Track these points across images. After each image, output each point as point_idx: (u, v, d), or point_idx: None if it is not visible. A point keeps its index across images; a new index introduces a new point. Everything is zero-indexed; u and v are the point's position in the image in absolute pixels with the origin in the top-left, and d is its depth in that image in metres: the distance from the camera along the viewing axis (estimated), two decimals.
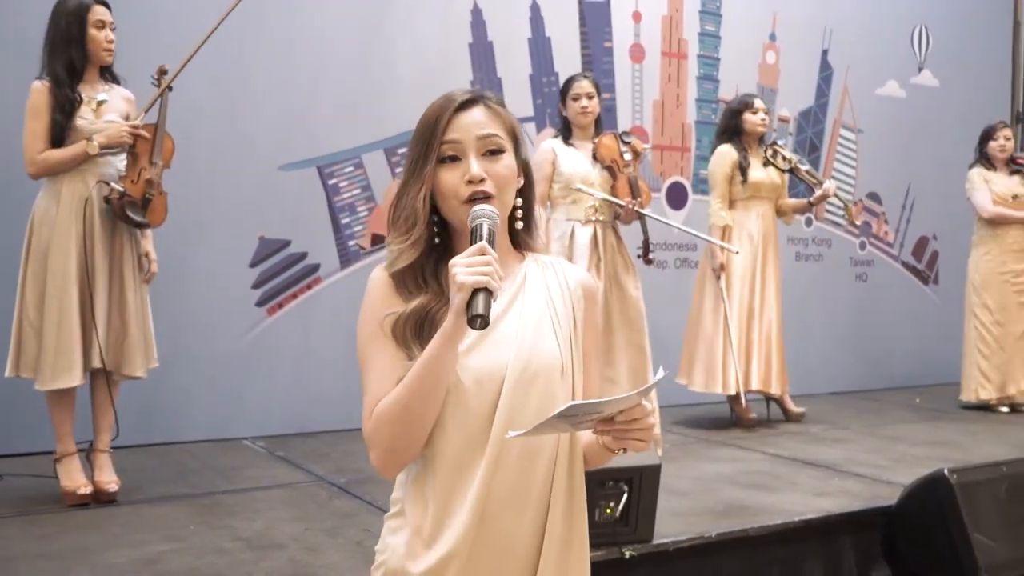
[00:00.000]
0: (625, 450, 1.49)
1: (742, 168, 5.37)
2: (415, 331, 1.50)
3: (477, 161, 1.54)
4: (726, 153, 5.42)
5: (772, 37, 6.78)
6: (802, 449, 4.85)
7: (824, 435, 5.27)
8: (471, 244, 1.44)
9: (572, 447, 1.58)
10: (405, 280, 1.54)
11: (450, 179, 1.54)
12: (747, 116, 5.41)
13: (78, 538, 3.29)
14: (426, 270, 1.55)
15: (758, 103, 5.46)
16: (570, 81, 4.72)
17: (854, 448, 4.91)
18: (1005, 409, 6.07)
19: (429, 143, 1.54)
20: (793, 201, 5.63)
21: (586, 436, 1.58)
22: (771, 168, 5.44)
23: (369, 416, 1.49)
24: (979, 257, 6.20)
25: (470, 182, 1.52)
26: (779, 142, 5.60)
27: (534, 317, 1.57)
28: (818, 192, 5.41)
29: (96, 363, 3.66)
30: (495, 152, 1.56)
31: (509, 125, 1.59)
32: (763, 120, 5.42)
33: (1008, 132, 6.23)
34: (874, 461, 4.58)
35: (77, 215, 3.64)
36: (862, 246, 7.24)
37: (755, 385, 5.40)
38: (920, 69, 7.50)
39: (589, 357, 1.65)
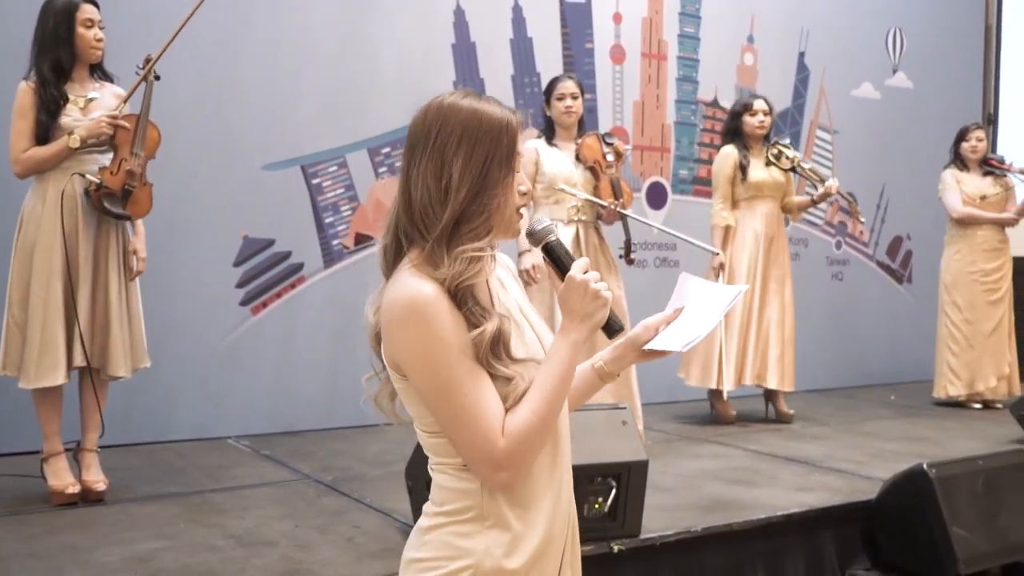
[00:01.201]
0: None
1: (742, 168, 5.44)
2: (495, 351, 1.50)
3: (523, 175, 1.61)
4: (728, 154, 5.51)
5: (750, 39, 6.86)
6: (782, 445, 4.92)
7: (803, 432, 5.35)
8: (557, 258, 1.59)
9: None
10: (465, 296, 1.50)
11: (514, 187, 1.58)
12: (746, 118, 5.50)
13: (68, 537, 3.29)
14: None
15: (758, 104, 5.51)
16: (555, 81, 4.77)
17: (832, 444, 4.99)
18: (977, 406, 6.17)
19: (509, 149, 1.55)
20: (799, 199, 5.70)
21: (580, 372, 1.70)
22: (774, 167, 5.51)
23: (500, 437, 1.47)
24: (950, 256, 6.30)
25: (524, 194, 1.59)
26: (782, 140, 5.67)
27: (527, 307, 1.66)
28: (820, 190, 5.48)
29: (79, 361, 3.65)
30: None
31: None
32: (761, 122, 5.48)
33: (980, 133, 6.33)
34: (852, 457, 4.66)
35: (64, 211, 3.62)
36: (838, 245, 7.34)
37: (749, 380, 5.48)
38: (894, 71, 7.61)
39: None
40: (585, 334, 1.52)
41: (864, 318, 7.36)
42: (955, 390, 6.18)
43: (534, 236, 1.61)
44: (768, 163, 5.49)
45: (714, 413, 5.63)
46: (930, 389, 6.42)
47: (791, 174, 5.58)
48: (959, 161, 6.33)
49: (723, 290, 1.76)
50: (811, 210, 6.89)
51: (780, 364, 5.52)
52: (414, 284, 1.48)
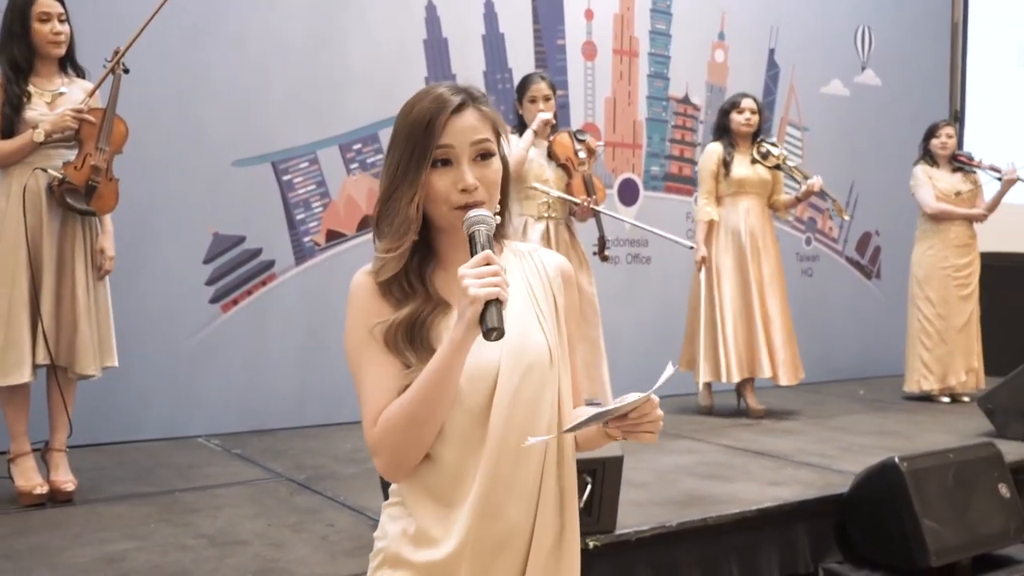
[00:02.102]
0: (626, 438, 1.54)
1: (726, 164, 5.50)
2: (407, 338, 1.50)
3: (470, 168, 1.52)
4: (712, 150, 5.59)
5: (721, 36, 6.89)
6: (754, 440, 4.95)
7: (774, 427, 5.38)
8: (471, 251, 1.44)
9: (561, 437, 1.58)
10: (391, 286, 1.54)
11: (442, 184, 1.51)
12: (733, 116, 5.56)
13: (37, 538, 3.24)
14: (411, 273, 1.54)
15: (745, 103, 5.56)
16: (528, 82, 4.77)
17: (804, 439, 5.02)
18: (946, 399, 6.24)
19: (422, 147, 1.50)
20: (785, 197, 5.74)
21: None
22: (759, 164, 5.55)
23: (372, 424, 1.49)
24: (922, 252, 6.35)
25: (464, 191, 1.51)
26: (769, 139, 5.71)
27: (519, 309, 1.57)
28: (804, 187, 5.52)
29: (41, 359, 3.59)
30: (485, 156, 1.54)
31: (495, 125, 1.57)
32: (747, 120, 5.53)
33: (950, 130, 6.39)
34: (824, 451, 4.69)
35: (26, 208, 3.56)
36: (807, 241, 7.39)
37: (736, 377, 5.53)
38: (863, 68, 7.67)
39: (572, 342, 1.66)
40: (461, 333, 1.40)
41: (833, 314, 7.42)
42: (928, 384, 6.24)
43: (464, 224, 1.51)
44: (754, 161, 5.53)
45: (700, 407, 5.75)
46: (899, 383, 6.48)
47: (778, 172, 5.62)
48: (928, 157, 6.38)
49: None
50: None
51: (783, 358, 5.56)
52: (356, 272, 1.58)
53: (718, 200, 5.57)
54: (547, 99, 4.71)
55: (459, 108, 1.52)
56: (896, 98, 7.75)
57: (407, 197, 1.51)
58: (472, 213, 1.49)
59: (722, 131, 5.62)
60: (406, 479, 1.55)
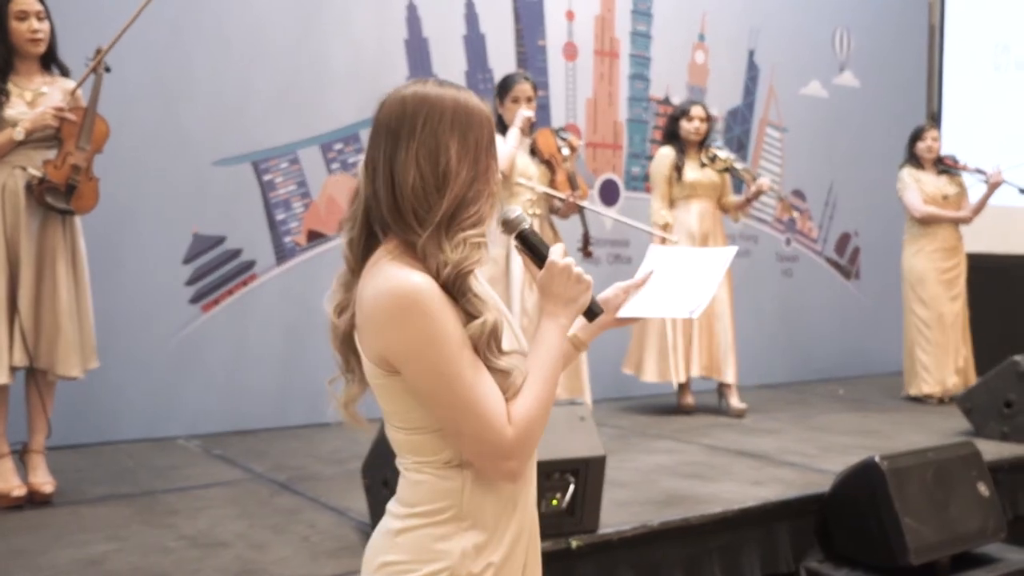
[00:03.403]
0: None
1: (678, 168, 5.54)
2: (493, 342, 1.47)
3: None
4: (665, 155, 5.64)
5: (701, 37, 6.91)
6: (736, 440, 4.97)
7: (756, 426, 5.40)
8: (532, 247, 1.59)
9: None
10: (463, 283, 1.46)
11: None
12: (683, 123, 5.63)
13: (15, 541, 3.21)
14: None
15: (694, 111, 5.63)
16: (510, 82, 4.78)
17: (785, 438, 5.04)
18: (934, 401, 6.26)
19: (490, 136, 1.55)
20: (734, 199, 5.79)
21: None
22: (708, 168, 5.60)
23: (507, 426, 1.44)
24: (911, 255, 6.36)
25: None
26: (716, 143, 5.75)
27: (496, 296, 1.64)
28: (752, 188, 5.57)
29: (18, 361, 3.55)
30: None
31: None
32: (697, 128, 5.59)
33: (935, 133, 6.41)
34: (805, 450, 4.72)
35: (5, 207, 3.53)
36: (787, 242, 7.42)
37: (696, 372, 5.58)
38: (842, 69, 7.72)
39: None
40: (572, 318, 1.56)
41: (813, 314, 7.46)
42: (928, 387, 6.25)
43: (508, 224, 1.59)
44: (703, 165, 5.59)
45: (679, 404, 5.77)
46: (880, 383, 6.53)
47: (727, 175, 5.67)
48: (914, 160, 6.42)
49: (709, 254, 1.87)
50: (759, 207, 6.99)
51: (731, 358, 5.61)
52: (404, 275, 1.43)
53: (671, 203, 5.63)
54: (529, 100, 4.74)
55: None
56: (874, 99, 7.80)
57: (492, 180, 1.55)
58: (517, 212, 1.61)
59: (672, 137, 5.68)
60: (475, 483, 1.51)
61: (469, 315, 1.46)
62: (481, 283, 1.53)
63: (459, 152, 1.49)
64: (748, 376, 6.28)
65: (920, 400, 6.28)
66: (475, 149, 1.51)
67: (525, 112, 4.65)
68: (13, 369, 3.58)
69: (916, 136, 6.44)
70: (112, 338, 4.56)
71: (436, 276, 1.45)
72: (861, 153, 7.67)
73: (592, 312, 1.63)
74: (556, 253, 1.57)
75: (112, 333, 4.57)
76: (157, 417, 4.89)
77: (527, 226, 1.60)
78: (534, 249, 1.60)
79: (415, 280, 1.42)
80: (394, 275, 1.43)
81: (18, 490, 3.62)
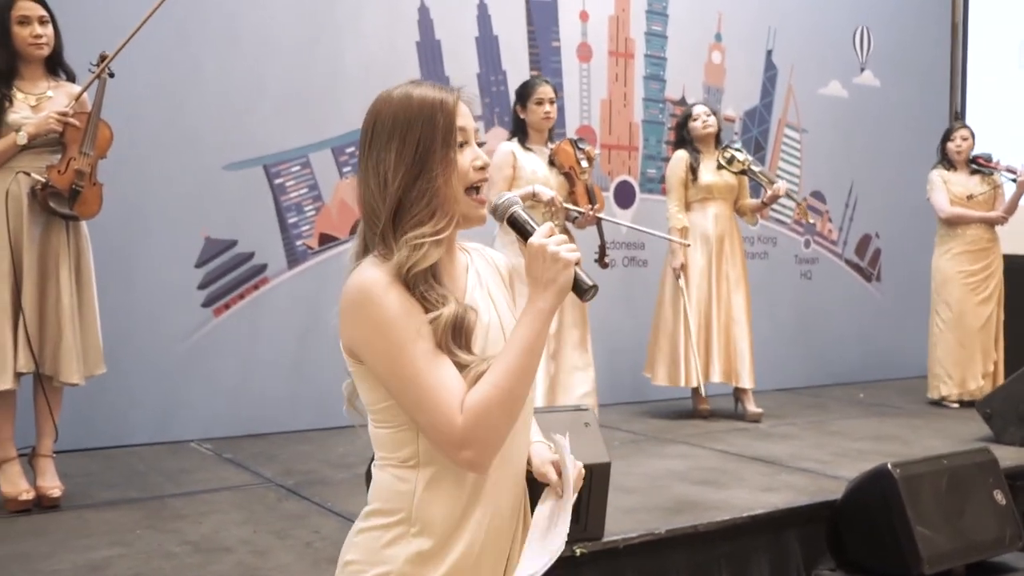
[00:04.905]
0: None
1: (693, 170, 5.50)
2: (455, 336, 1.46)
3: (479, 150, 1.56)
4: (680, 157, 5.60)
5: (718, 37, 6.85)
6: (749, 445, 4.91)
7: (771, 431, 5.34)
8: (519, 229, 1.52)
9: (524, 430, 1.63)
10: (418, 282, 1.47)
11: (463, 163, 1.52)
12: (691, 124, 5.61)
13: (20, 545, 3.22)
14: (430, 271, 1.50)
15: (696, 110, 5.62)
16: (532, 86, 4.81)
17: (800, 443, 4.98)
18: (955, 404, 6.17)
19: (446, 126, 1.50)
20: (751, 202, 5.74)
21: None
22: (724, 170, 5.54)
23: (458, 414, 1.41)
24: (940, 256, 6.29)
25: (481, 168, 1.54)
26: (734, 144, 5.70)
27: (503, 306, 1.60)
28: (769, 192, 5.51)
29: (22, 366, 3.55)
30: (479, 144, 1.58)
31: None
32: (704, 123, 5.56)
33: (965, 132, 6.31)
34: (819, 456, 4.65)
35: (9, 212, 3.53)
36: (807, 244, 7.34)
37: (716, 378, 5.53)
38: (862, 69, 7.63)
39: None
40: (552, 300, 1.45)
41: (833, 317, 7.38)
42: (947, 389, 6.19)
43: (497, 211, 1.57)
44: (719, 167, 5.52)
45: (695, 409, 5.71)
46: (901, 387, 6.44)
47: (744, 177, 5.61)
48: (946, 161, 6.33)
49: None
50: (778, 209, 6.92)
51: (747, 362, 5.55)
52: (363, 271, 1.48)
53: (687, 206, 5.59)
54: (552, 102, 4.79)
55: (458, 96, 1.56)
56: (895, 99, 7.71)
57: (443, 176, 1.50)
58: (505, 197, 1.55)
59: (683, 142, 5.65)
60: (427, 485, 1.49)
61: (430, 310, 1.47)
62: (471, 286, 1.57)
63: (398, 153, 1.49)
64: (766, 380, 6.23)
65: (942, 404, 6.19)
66: (416, 147, 1.49)
67: (548, 192, 4.65)
68: (18, 375, 3.58)
69: (946, 136, 6.36)
70: (123, 342, 4.58)
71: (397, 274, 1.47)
72: (882, 154, 7.58)
73: (580, 290, 1.49)
74: (539, 233, 1.49)
75: (123, 337, 4.59)
76: (169, 421, 4.90)
77: (516, 209, 1.55)
78: (522, 232, 1.54)
79: (369, 275, 1.46)
80: (358, 272, 1.49)
81: (26, 494, 3.62)
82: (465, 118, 1.54)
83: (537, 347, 1.45)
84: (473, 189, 1.54)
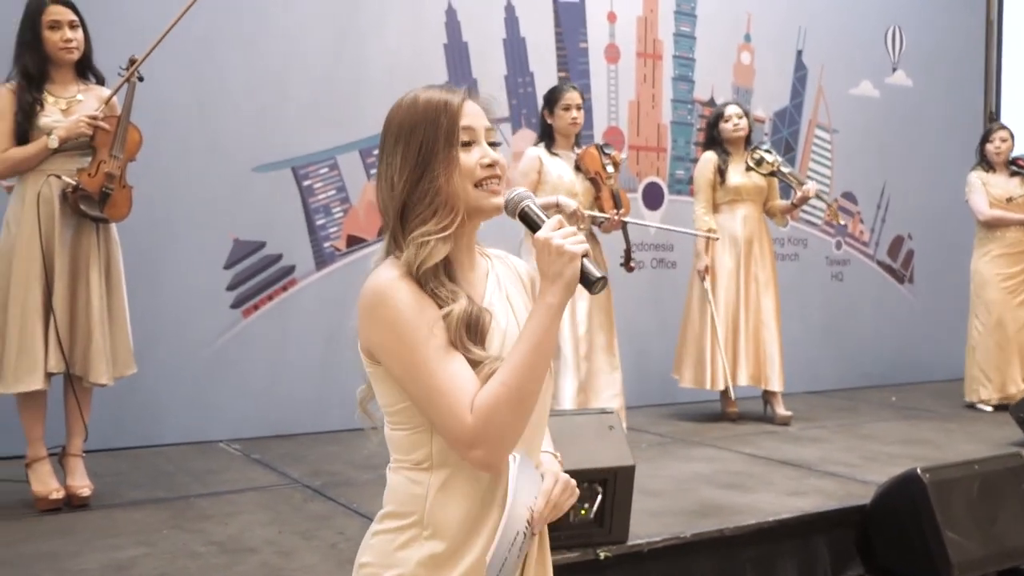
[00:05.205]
0: None
1: (721, 172, 5.48)
2: (468, 332, 1.47)
3: (488, 148, 1.56)
4: (708, 159, 5.57)
5: (747, 38, 6.80)
6: (778, 448, 4.86)
7: (800, 434, 5.29)
8: (529, 223, 1.50)
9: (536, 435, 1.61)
10: (429, 280, 1.48)
11: (468, 161, 1.52)
12: (721, 125, 5.57)
13: (48, 544, 3.25)
14: (442, 269, 1.51)
15: (729, 110, 5.56)
16: (560, 91, 4.82)
17: (830, 447, 4.93)
18: (989, 408, 6.09)
19: (449, 126, 1.52)
20: (781, 203, 5.69)
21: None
22: (753, 171, 5.50)
23: (467, 413, 1.41)
24: (979, 259, 6.22)
25: (490, 165, 1.53)
26: (763, 146, 5.65)
27: (522, 313, 1.58)
28: (798, 194, 5.47)
29: (53, 366, 3.59)
30: (493, 144, 1.57)
31: (491, 118, 1.60)
32: (736, 126, 5.52)
33: (1004, 134, 6.22)
34: (849, 460, 4.60)
35: (40, 214, 3.58)
36: (838, 245, 7.27)
37: (743, 381, 5.49)
38: (894, 69, 7.54)
39: None
40: (560, 295, 1.43)
41: (865, 319, 7.30)
42: (987, 393, 6.12)
43: (508, 206, 1.56)
44: (748, 168, 5.48)
45: (723, 412, 5.68)
46: (934, 390, 6.36)
47: (773, 179, 5.57)
48: (985, 162, 6.25)
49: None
50: (809, 210, 6.86)
51: (777, 365, 5.51)
52: (381, 271, 1.50)
53: (715, 208, 5.56)
54: (579, 108, 4.80)
55: (468, 95, 1.57)
56: (928, 99, 7.62)
57: (444, 175, 1.51)
58: (516, 192, 1.53)
59: (713, 142, 5.61)
60: (440, 490, 1.49)
61: (442, 307, 1.48)
62: (490, 291, 1.56)
63: (403, 156, 1.53)
64: (797, 382, 6.18)
65: (976, 408, 6.11)
66: (419, 149, 1.52)
67: (570, 205, 4.65)
68: (49, 375, 3.62)
69: (985, 137, 6.29)
70: (153, 343, 4.62)
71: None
72: (915, 154, 7.49)
73: (588, 281, 1.45)
74: (546, 227, 1.47)
75: (153, 338, 4.63)
76: (198, 421, 4.93)
77: (527, 204, 1.53)
78: (532, 226, 1.53)
79: (383, 275, 1.48)
80: (374, 273, 1.51)
81: (56, 493, 3.66)
82: (472, 117, 1.55)
83: (546, 343, 1.43)
84: (483, 184, 1.53)
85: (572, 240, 1.43)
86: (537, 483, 1.53)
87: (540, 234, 1.45)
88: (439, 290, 1.47)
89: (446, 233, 1.50)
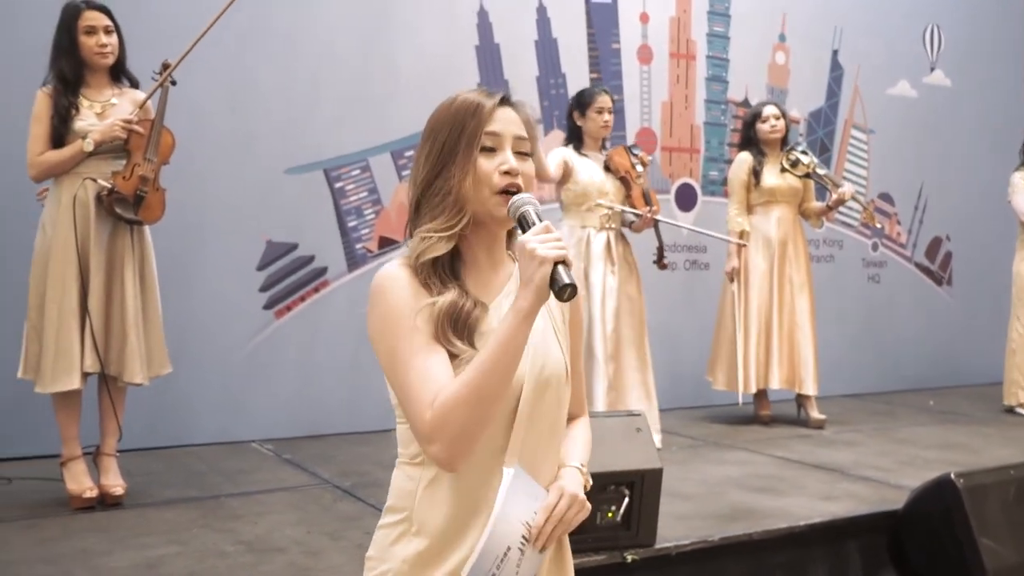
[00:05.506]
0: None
1: (756, 173, 5.44)
2: (452, 325, 1.47)
3: (512, 156, 1.55)
4: (743, 160, 5.53)
5: (781, 37, 6.75)
6: (811, 452, 4.82)
7: (835, 438, 5.23)
8: (523, 227, 1.47)
9: (557, 437, 1.61)
10: (428, 274, 1.51)
11: (487, 166, 1.52)
12: (758, 125, 5.52)
13: (81, 542, 3.30)
14: (446, 266, 1.53)
15: (767, 111, 5.51)
16: (592, 94, 4.82)
17: (864, 451, 4.87)
18: (1023, 411, 6.00)
19: (473, 129, 1.53)
20: (817, 205, 5.64)
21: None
22: (788, 173, 5.45)
23: (429, 407, 1.40)
24: (1020, 261, 6.13)
25: (507, 173, 1.52)
26: (799, 147, 5.59)
27: (540, 323, 1.55)
28: (834, 196, 5.42)
29: (88, 366, 3.64)
30: (523, 155, 1.56)
31: (534, 134, 1.60)
32: (773, 127, 5.47)
33: None
34: (883, 464, 4.55)
35: (76, 217, 3.63)
36: (874, 247, 7.19)
37: (775, 384, 5.45)
38: (932, 69, 7.44)
39: (576, 359, 1.66)
40: (530, 299, 1.39)
41: (902, 321, 7.21)
42: None
43: (509, 211, 1.52)
44: (783, 170, 5.43)
45: (756, 415, 5.65)
46: (973, 393, 6.27)
47: (809, 180, 5.52)
48: None
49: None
50: (845, 211, 6.78)
51: (811, 368, 5.45)
52: (387, 264, 1.55)
53: (749, 209, 5.52)
54: (610, 111, 4.81)
55: (503, 101, 1.57)
56: (967, 99, 7.50)
57: (459, 175, 1.52)
58: (518, 196, 1.51)
59: (749, 142, 5.56)
60: (428, 486, 1.49)
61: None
62: (499, 303, 1.55)
63: (428, 152, 1.56)
64: (832, 385, 6.12)
65: (1014, 412, 6.01)
66: (441, 148, 1.54)
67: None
68: (85, 375, 3.67)
69: None
70: (187, 344, 4.66)
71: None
72: (953, 155, 7.39)
73: (557, 286, 1.38)
74: (530, 231, 1.44)
75: (186, 339, 4.68)
76: (231, 421, 4.98)
77: (527, 209, 1.48)
78: (523, 230, 1.49)
79: (385, 268, 1.54)
80: (382, 267, 1.56)
81: (90, 491, 3.71)
82: (501, 123, 1.54)
83: (512, 346, 1.39)
84: (504, 193, 1.52)
85: (548, 245, 1.39)
86: (537, 498, 1.50)
87: (520, 238, 1.44)
88: (432, 282, 1.50)
89: (449, 232, 1.51)
